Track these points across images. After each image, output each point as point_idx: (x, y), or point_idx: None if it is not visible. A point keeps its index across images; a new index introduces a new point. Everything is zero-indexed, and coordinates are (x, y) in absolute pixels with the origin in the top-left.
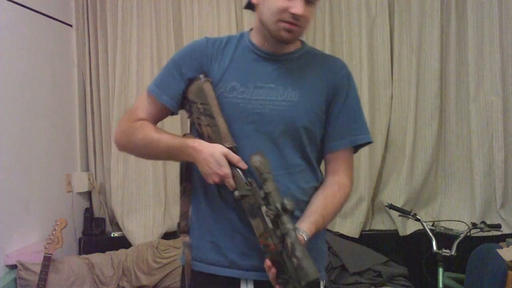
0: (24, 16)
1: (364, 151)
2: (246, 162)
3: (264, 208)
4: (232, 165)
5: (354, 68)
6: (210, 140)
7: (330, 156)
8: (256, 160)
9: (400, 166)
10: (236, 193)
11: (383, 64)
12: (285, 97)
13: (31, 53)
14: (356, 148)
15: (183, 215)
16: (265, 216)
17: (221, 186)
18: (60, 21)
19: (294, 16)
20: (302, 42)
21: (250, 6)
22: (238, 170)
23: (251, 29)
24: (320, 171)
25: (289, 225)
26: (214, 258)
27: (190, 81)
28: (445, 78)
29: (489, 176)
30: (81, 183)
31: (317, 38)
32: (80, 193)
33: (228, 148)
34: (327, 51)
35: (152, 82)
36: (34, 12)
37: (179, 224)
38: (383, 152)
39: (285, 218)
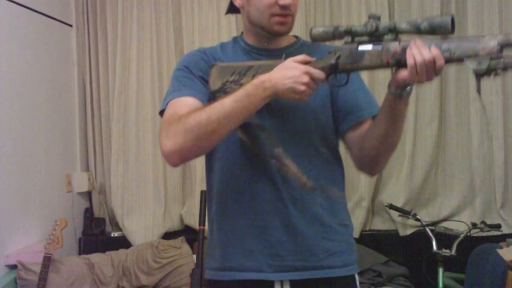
0: (24, 16)
1: None
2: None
3: (360, 44)
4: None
5: None
6: None
7: (353, 128)
8: (317, 30)
9: (400, 166)
10: (331, 61)
11: None
12: None
13: (31, 53)
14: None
15: None
16: (367, 45)
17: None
18: (60, 21)
19: (284, 7)
20: (296, 37)
21: (232, 10)
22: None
23: (241, 33)
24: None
25: (386, 22)
26: (245, 263)
27: (206, 81)
28: (445, 78)
29: (489, 176)
30: (81, 183)
31: None
32: (80, 193)
33: None
34: None
35: (168, 96)
36: (34, 12)
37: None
38: None
39: (377, 23)
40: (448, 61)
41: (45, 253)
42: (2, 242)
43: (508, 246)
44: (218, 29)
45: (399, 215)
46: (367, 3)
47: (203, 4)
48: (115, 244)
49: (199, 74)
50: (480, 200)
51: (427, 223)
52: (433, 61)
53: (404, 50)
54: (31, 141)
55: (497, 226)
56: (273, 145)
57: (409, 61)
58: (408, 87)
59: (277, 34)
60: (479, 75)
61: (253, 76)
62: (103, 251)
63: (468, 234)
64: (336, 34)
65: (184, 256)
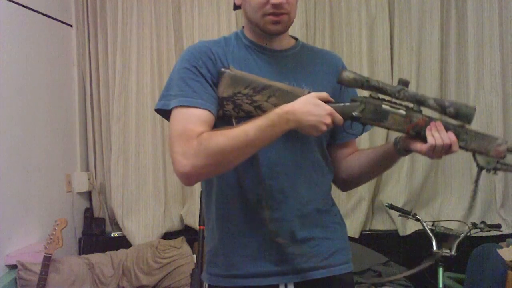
0: (24, 16)
1: None
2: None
3: (384, 103)
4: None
5: (354, 68)
6: None
7: (341, 145)
8: (347, 75)
9: (400, 166)
10: (355, 113)
11: (383, 64)
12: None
13: (31, 53)
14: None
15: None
16: (391, 107)
17: (258, 201)
18: (60, 21)
19: (276, 5)
20: (296, 39)
21: (238, 7)
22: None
23: (242, 27)
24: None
25: (414, 92)
26: (249, 270)
27: (215, 84)
28: (445, 78)
29: (489, 176)
30: (81, 183)
31: (317, 38)
32: (80, 193)
33: None
34: None
35: (173, 97)
36: (34, 12)
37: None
38: None
39: (407, 91)
40: (461, 148)
41: (45, 253)
42: (2, 242)
43: (508, 246)
44: (218, 29)
45: (399, 215)
46: (367, 3)
47: (203, 4)
48: (115, 244)
49: (208, 76)
50: (480, 200)
51: (427, 223)
52: (450, 146)
53: (425, 125)
54: (31, 141)
55: (497, 226)
56: (259, 181)
57: (430, 141)
58: None
59: (272, 34)
60: (482, 169)
61: (269, 98)
62: (103, 251)
63: (468, 234)
64: (364, 85)
65: (184, 256)
